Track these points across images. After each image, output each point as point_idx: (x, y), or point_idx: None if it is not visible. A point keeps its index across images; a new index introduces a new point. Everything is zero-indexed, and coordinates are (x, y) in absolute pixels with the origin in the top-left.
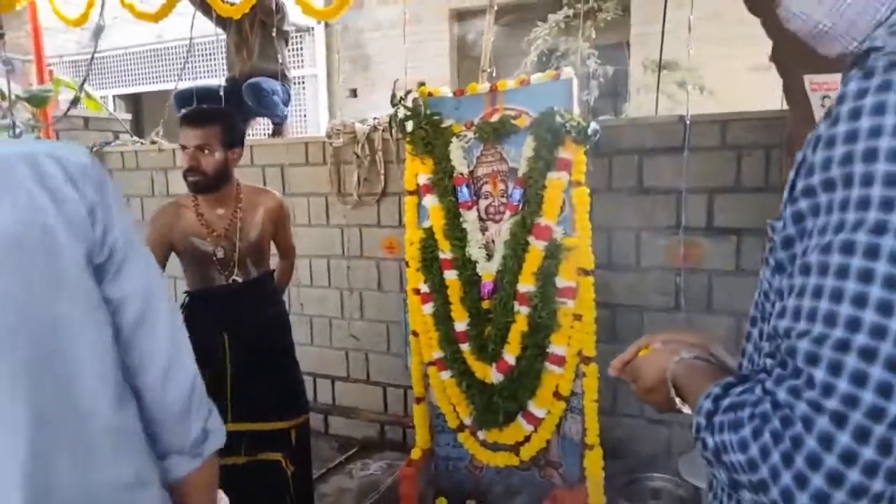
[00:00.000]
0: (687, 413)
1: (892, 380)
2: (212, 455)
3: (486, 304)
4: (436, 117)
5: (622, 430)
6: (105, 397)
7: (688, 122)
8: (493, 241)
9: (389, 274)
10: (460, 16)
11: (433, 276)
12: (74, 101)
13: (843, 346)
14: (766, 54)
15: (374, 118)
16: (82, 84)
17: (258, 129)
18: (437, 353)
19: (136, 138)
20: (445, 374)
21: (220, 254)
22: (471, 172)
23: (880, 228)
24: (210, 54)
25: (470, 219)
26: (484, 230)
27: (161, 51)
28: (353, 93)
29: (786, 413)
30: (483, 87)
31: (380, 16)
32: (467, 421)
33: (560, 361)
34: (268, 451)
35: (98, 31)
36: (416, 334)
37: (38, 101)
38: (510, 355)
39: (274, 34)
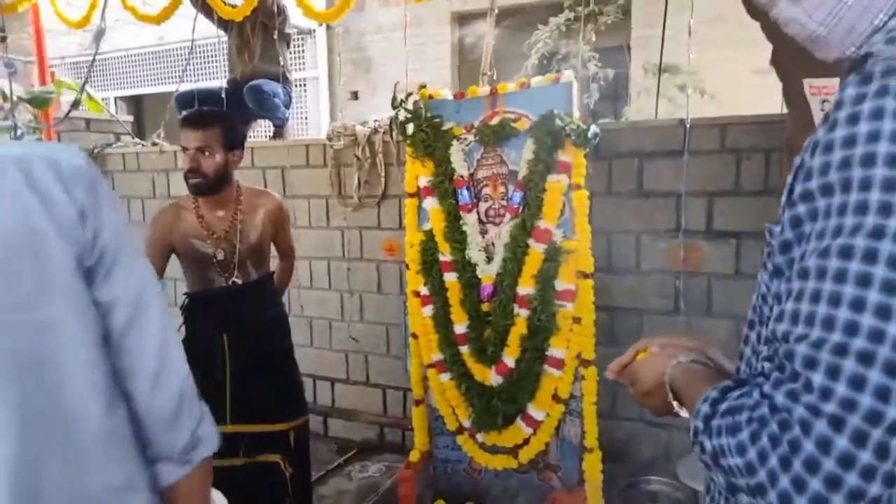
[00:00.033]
0: (684, 417)
1: (889, 384)
2: (203, 462)
3: (485, 307)
4: (436, 120)
5: (621, 433)
6: (95, 401)
7: (688, 125)
8: (492, 244)
9: (389, 276)
10: (461, 19)
11: (433, 279)
12: (75, 104)
13: (841, 349)
14: (768, 58)
15: (375, 121)
16: (83, 86)
17: (259, 131)
18: (437, 356)
19: (137, 140)
20: (445, 377)
21: (220, 256)
22: (471, 175)
23: (878, 233)
24: (211, 56)
25: (470, 221)
26: (484, 233)
27: (162, 53)
28: (355, 95)
29: (784, 417)
30: (483, 89)
31: (381, 18)
32: (466, 423)
33: (559, 364)
34: (267, 452)
35: (99, 34)
36: (415, 336)
37: (39, 102)
38: (509, 358)
39: (275, 36)
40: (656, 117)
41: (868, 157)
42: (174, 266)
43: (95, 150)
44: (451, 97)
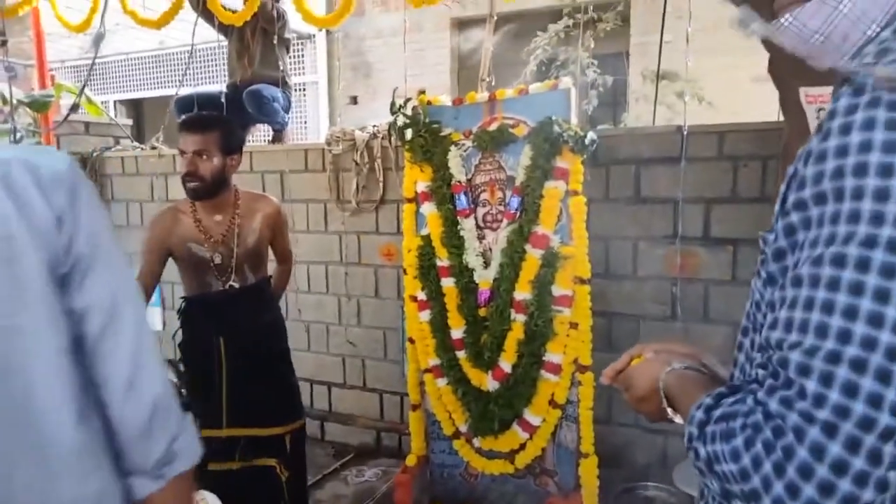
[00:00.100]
0: (679, 423)
1: (882, 391)
2: (178, 477)
3: (482, 312)
4: (435, 125)
5: (617, 438)
6: (67, 410)
7: (685, 132)
8: (490, 249)
9: (387, 281)
10: (461, 25)
11: (430, 284)
12: (74, 107)
13: (834, 357)
14: (766, 66)
15: (374, 126)
16: (82, 90)
17: (258, 135)
18: (434, 361)
19: (136, 143)
20: (442, 382)
21: (218, 260)
22: (469, 180)
23: (871, 242)
24: (211, 61)
25: (467, 226)
26: (481, 238)
27: (162, 57)
28: (354, 100)
29: (777, 423)
30: (482, 96)
31: (381, 23)
32: (463, 428)
33: (556, 370)
34: (263, 456)
35: (98, 39)
36: (412, 341)
37: (39, 105)
38: (506, 363)
39: (275, 41)
40: (654, 124)
41: (860, 166)
42: (171, 269)
43: (94, 154)
44: (449, 103)
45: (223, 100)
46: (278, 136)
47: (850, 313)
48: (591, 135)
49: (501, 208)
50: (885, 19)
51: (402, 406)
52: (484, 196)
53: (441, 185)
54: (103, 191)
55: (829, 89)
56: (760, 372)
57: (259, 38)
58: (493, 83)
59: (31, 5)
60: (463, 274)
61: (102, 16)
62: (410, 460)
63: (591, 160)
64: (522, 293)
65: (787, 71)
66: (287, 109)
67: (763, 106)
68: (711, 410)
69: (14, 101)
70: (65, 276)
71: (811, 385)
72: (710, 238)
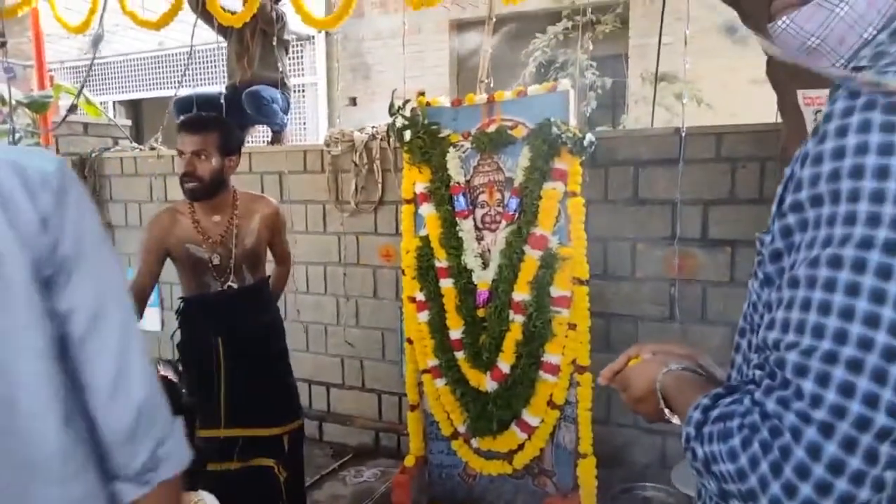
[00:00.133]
0: (676, 423)
1: (878, 391)
2: (165, 483)
3: (481, 313)
4: (433, 127)
5: (616, 439)
6: (50, 414)
7: (683, 133)
8: (488, 250)
9: (385, 281)
10: (460, 27)
11: (429, 285)
12: (72, 108)
13: (831, 357)
14: (764, 68)
15: (373, 127)
16: (80, 91)
17: (257, 136)
18: (432, 361)
19: (135, 144)
20: (440, 382)
21: (216, 260)
22: (467, 182)
23: (867, 243)
24: (210, 62)
25: (466, 228)
26: (480, 239)
27: (162, 58)
28: (353, 101)
29: (774, 423)
30: (481, 97)
31: (380, 25)
32: (461, 429)
33: (554, 370)
34: (261, 456)
35: (97, 40)
36: (411, 342)
37: (38, 106)
38: (504, 364)
39: (274, 43)
40: (652, 126)
41: (856, 168)
42: (170, 270)
43: (93, 154)
44: (448, 104)
45: (222, 101)
46: (277, 138)
47: (847, 314)
48: (589, 136)
49: (500, 209)
50: (881, 22)
51: (400, 406)
52: (482, 197)
53: (440, 186)
54: (102, 191)
55: (826, 91)
56: (757, 372)
57: (258, 40)
58: (491, 85)
59: (31, 6)
60: (461, 275)
61: (101, 17)
62: (409, 461)
63: (590, 161)
64: (521, 294)
65: (785, 73)
66: (286, 111)
67: (761, 108)
68: (709, 411)
69: (13, 102)
70: (49, 278)
71: (808, 385)
72: (709, 239)
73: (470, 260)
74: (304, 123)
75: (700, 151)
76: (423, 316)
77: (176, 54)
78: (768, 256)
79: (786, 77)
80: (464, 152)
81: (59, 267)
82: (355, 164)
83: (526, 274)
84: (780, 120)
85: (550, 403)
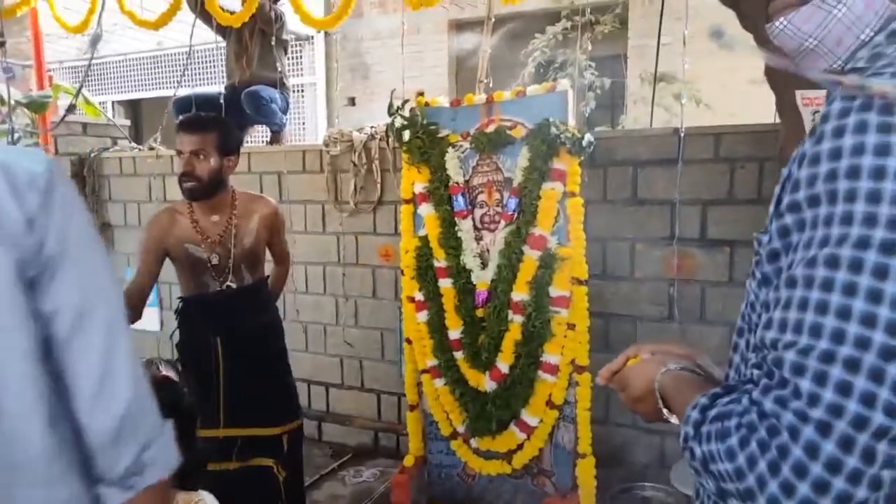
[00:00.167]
0: (674, 423)
1: (875, 390)
2: (150, 488)
3: (480, 313)
4: (432, 127)
5: (615, 439)
6: (35, 415)
7: (682, 134)
8: (487, 250)
9: (385, 281)
10: (459, 27)
11: (428, 285)
12: (70, 108)
13: (828, 356)
14: (763, 68)
15: (372, 127)
16: (79, 90)
17: (256, 136)
18: (431, 361)
19: (134, 144)
20: (439, 382)
21: (215, 260)
22: (466, 182)
23: (863, 243)
24: (209, 62)
25: (465, 228)
26: (479, 239)
27: (161, 58)
28: (352, 101)
29: (772, 422)
30: (479, 97)
31: (379, 25)
32: (460, 429)
33: (553, 370)
34: (260, 456)
35: (95, 40)
36: (410, 342)
37: (36, 106)
38: (503, 364)
39: (273, 43)
40: (651, 126)
41: (853, 169)
42: (169, 269)
43: (92, 154)
44: (447, 104)
45: (222, 101)
46: (276, 138)
47: (844, 313)
48: (588, 136)
49: (499, 209)
50: (878, 24)
51: (399, 406)
52: (481, 197)
53: (438, 186)
54: (101, 191)
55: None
56: (755, 372)
57: (257, 40)
58: (490, 85)
59: (30, 6)
60: (460, 275)
61: (99, 17)
62: (408, 461)
63: (589, 162)
64: (520, 294)
65: (784, 74)
66: (285, 111)
67: (760, 108)
68: (707, 410)
69: (12, 102)
70: (34, 279)
71: (805, 384)
72: (707, 239)
73: (469, 260)
74: (303, 123)
75: (699, 152)
76: (422, 316)
77: (175, 54)
78: (766, 256)
79: (784, 78)
80: (463, 152)
81: (44, 267)
82: (354, 164)
83: (525, 274)
84: (778, 120)
85: (549, 403)
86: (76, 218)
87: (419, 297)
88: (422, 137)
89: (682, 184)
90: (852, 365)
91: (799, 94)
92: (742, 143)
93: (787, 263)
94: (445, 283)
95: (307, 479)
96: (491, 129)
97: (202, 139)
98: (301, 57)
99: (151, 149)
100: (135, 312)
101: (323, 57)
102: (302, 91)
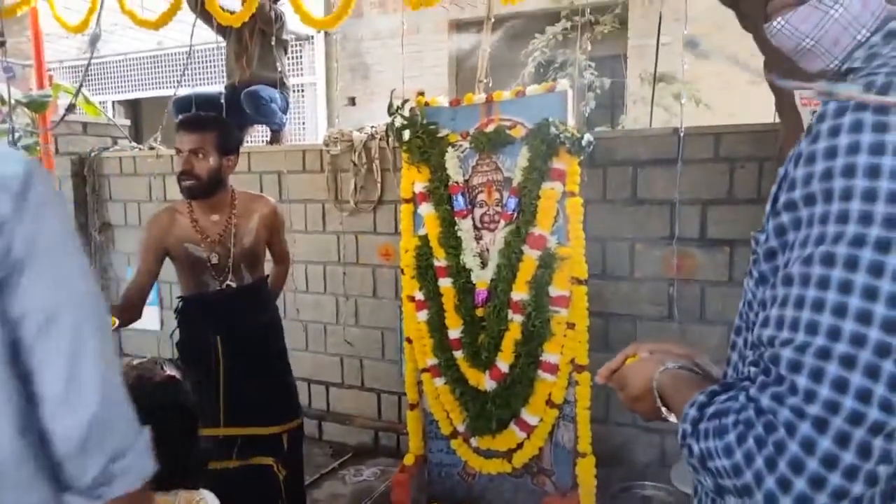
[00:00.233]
0: (673, 421)
1: (871, 386)
2: (118, 499)
3: (479, 312)
4: (432, 127)
5: (615, 438)
6: (3, 418)
7: (682, 134)
8: (487, 250)
9: (385, 281)
10: (459, 27)
11: (428, 284)
12: (70, 107)
13: (824, 353)
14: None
15: (372, 127)
16: (78, 90)
17: (256, 135)
18: (431, 360)
19: (134, 144)
20: (439, 381)
21: (215, 259)
22: (466, 181)
23: (859, 241)
24: (209, 62)
25: (465, 227)
26: (478, 239)
27: (161, 57)
28: (352, 101)
29: (769, 419)
30: (479, 97)
31: (379, 25)
32: (460, 428)
33: (553, 369)
34: (260, 455)
35: (94, 39)
36: (410, 341)
37: (37, 106)
38: (503, 363)
39: (273, 42)
40: (651, 126)
41: (848, 168)
42: (169, 269)
43: (92, 154)
44: (447, 104)
45: (222, 100)
46: (276, 137)
47: (840, 311)
48: (587, 136)
49: (499, 209)
50: (875, 24)
51: (399, 406)
52: (481, 197)
53: (438, 185)
54: (101, 191)
55: None
56: (752, 369)
57: (257, 40)
58: (490, 85)
59: (30, 5)
60: (460, 274)
61: (98, 16)
62: (408, 460)
63: (588, 161)
64: (520, 293)
65: (783, 73)
66: (285, 110)
67: (759, 108)
68: (704, 408)
69: (12, 102)
70: (2, 281)
71: (802, 381)
72: (707, 239)
73: (469, 259)
74: (304, 123)
75: (698, 151)
76: (423, 315)
77: (175, 54)
78: (763, 255)
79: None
80: (462, 152)
81: (11, 270)
82: (354, 164)
83: (524, 273)
84: (777, 120)
85: (549, 402)
86: (49, 221)
87: (419, 296)
88: (422, 137)
89: (681, 184)
90: (848, 361)
91: (798, 94)
92: (742, 143)
93: (783, 262)
94: (445, 283)
95: (307, 477)
96: (490, 128)
97: (201, 138)
98: (301, 57)
99: (151, 148)
100: (135, 311)
101: (323, 57)
102: (302, 91)
